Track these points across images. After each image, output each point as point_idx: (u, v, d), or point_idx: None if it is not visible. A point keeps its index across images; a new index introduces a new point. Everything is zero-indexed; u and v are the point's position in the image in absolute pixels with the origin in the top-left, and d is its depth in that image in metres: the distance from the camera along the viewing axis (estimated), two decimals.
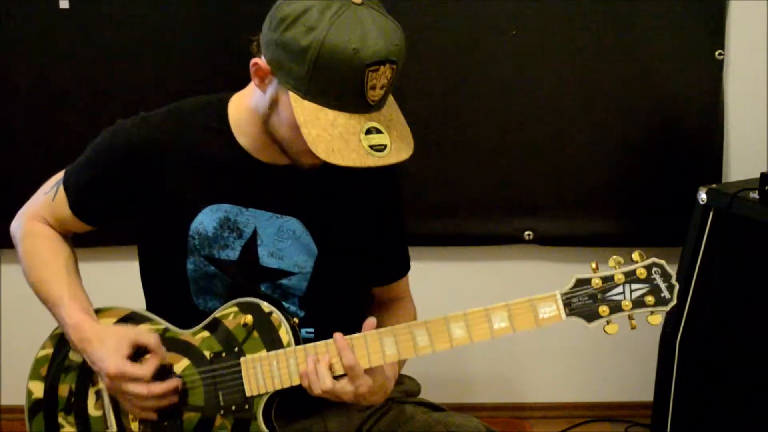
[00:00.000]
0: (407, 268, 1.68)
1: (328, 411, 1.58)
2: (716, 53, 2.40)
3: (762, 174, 2.01)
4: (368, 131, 1.32)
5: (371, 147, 1.31)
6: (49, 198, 1.57)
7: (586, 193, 2.51)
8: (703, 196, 2.13)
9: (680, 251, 2.20)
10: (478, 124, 2.45)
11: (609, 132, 2.46)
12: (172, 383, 1.46)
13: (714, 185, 2.15)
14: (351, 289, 1.63)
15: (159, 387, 1.44)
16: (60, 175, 1.58)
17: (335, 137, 1.30)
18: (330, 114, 1.30)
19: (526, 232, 2.53)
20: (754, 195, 2.03)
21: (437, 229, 2.49)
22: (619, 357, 2.61)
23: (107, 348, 1.44)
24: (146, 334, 1.48)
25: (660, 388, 2.26)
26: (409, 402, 1.60)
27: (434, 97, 2.41)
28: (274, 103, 1.38)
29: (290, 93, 1.32)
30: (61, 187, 1.55)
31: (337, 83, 1.29)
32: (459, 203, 2.50)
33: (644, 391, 2.36)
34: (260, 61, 1.36)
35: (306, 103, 1.31)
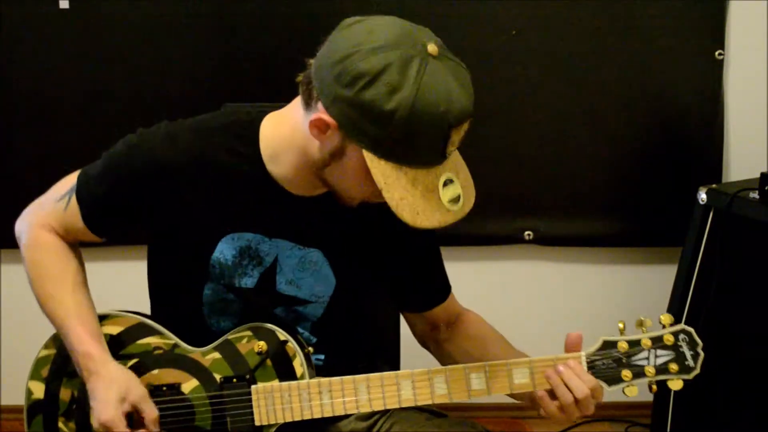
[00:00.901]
0: (448, 289, 1.62)
1: (330, 426, 1.56)
2: (716, 53, 2.40)
3: (762, 174, 2.01)
4: (444, 183, 1.29)
5: (450, 200, 1.29)
6: (60, 207, 1.50)
7: (586, 193, 2.51)
8: (703, 196, 2.13)
9: (680, 251, 2.20)
10: (477, 125, 2.43)
11: (609, 132, 2.46)
12: None
13: (714, 185, 2.15)
14: (367, 317, 1.60)
15: None
16: (72, 181, 1.51)
17: (417, 197, 1.26)
18: (409, 173, 1.25)
19: (526, 232, 2.53)
20: (754, 195, 2.03)
21: (438, 230, 2.49)
22: None
23: (111, 394, 1.40)
24: (150, 407, 1.42)
25: (660, 389, 2.26)
26: (410, 409, 1.59)
27: None
28: (337, 155, 1.30)
29: (364, 152, 1.25)
30: (74, 197, 1.49)
31: (420, 144, 1.23)
32: None
33: (644, 392, 2.36)
34: (327, 117, 1.26)
35: (383, 163, 1.24)
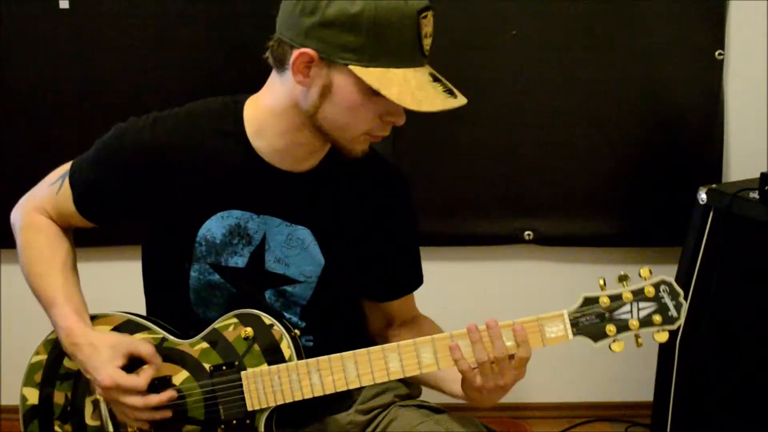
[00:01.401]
0: (419, 281, 1.65)
1: (329, 417, 1.57)
2: (716, 53, 2.40)
3: (762, 174, 2.01)
4: (433, 80, 1.33)
5: (445, 91, 1.33)
6: (53, 190, 1.54)
7: (586, 193, 2.51)
8: (703, 196, 2.13)
9: (680, 251, 2.20)
10: (477, 124, 2.45)
11: (609, 132, 2.46)
12: (167, 394, 1.43)
13: (714, 185, 2.15)
14: (354, 300, 1.62)
15: (155, 398, 1.42)
16: (66, 167, 1.55)
17: (414, 89, 1.30)
18: (398, 72, 1.30)
19: (526, 232, 2.53)
20: (754, 195, 2.03)
21: (438, 230, 2.49)
22: (619, 357, 2.61)
23: (100, 357, 1.41)
24: (141, 343, 1.44)
25: (660, 388, 2.26)
26: (409, 405, 1.60)
27: None
28: (326, 91, 1.34)
29: (351, 67, 1.29)
30: (67, 181, 1.52)
31: (395, 39, 1.29)
32: (459, 203, 2.50)
33: (644, 391, 2.36)
34: (306, 50, 1.31)
35: (371, 70, 1.29)
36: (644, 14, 2.38)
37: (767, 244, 2.02)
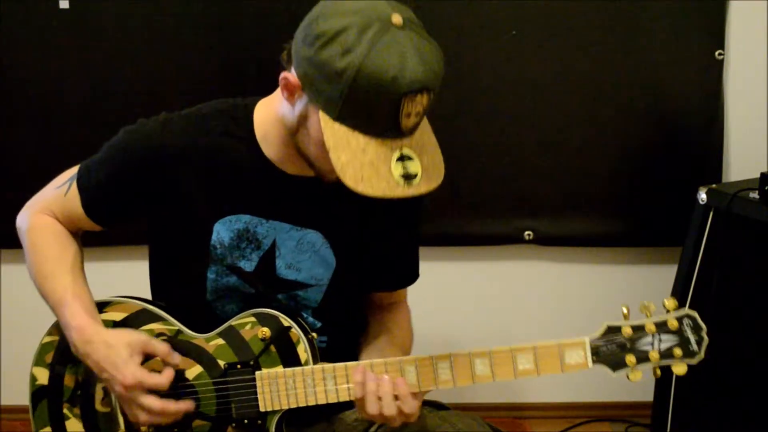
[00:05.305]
0: (416, 275, 1.64)
1: (336, 415, 1.57)
2: (716, 53, 2.40)
3: (762, 174, 2.01)
4: (400, 158, 1.26)
5: (402, 176, 1.26)
6: (60, 193, 1.52)
7: (586, 193, 2.51)
8: (703, 196, 2.13)
9: (680, 251, 2.20)
10: (478, 124, 2.45)
11: (609, 132, 2.46)
12: (186, 405, 1.42)
13: (714, 185, 2.15)
14: (362, 297, 1.62)
15: (173, 406, 1.41)
16: (73, 171, 1.53)
17: (365, 164, 1.24)
18: (361, 139, 1.24)
19: (526, 232, 2.53)
20: (754, 195, 2.03)
21: (437, 229, 2.49)
22: None
23: (120, 355, 1.40)
24: (157, 341, 1.43)
25: (660, 388, 2.26)
26: None
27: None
28: (303, 119, 1.32)
29: (320, 113, 1.26)
30: (75, 184, 1.51)
31: (370, 109, 1.23)
32: (459, 203, 2.50)
33: (644, 391, 2.36)
34: (290, 75, 1.30)
35: (336, 125, 1.25)
36: (644, 14, 2.38)
37: (767, 244, 2.02)
